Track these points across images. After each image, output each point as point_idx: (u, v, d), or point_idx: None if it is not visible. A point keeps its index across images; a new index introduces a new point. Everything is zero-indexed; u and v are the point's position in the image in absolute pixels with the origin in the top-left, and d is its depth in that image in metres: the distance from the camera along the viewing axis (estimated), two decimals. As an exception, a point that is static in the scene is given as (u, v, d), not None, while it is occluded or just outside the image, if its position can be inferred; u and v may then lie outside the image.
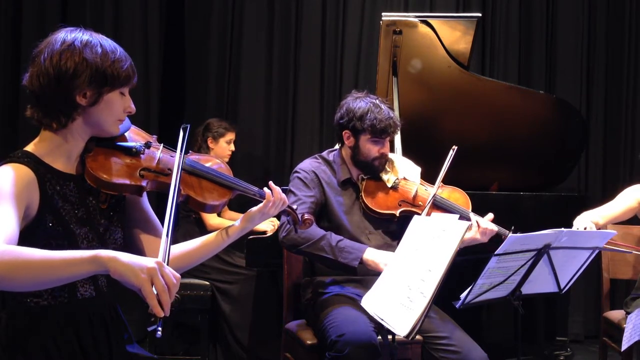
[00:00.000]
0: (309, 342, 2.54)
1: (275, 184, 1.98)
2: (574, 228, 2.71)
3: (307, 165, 2.72)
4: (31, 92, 1.58)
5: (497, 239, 2.55)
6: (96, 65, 1.56)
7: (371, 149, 2.65)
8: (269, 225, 3.61)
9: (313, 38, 4.52)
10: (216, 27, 4.40)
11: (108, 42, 1.62)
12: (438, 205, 2.67)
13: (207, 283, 3.65)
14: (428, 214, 2.59)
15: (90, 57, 1.56)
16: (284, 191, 1.99)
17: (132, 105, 1.69)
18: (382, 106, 2.64)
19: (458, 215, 2.61)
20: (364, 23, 4.58)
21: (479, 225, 2.57)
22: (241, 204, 4.17)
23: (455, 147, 2.67)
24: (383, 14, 3.53)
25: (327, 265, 2.57)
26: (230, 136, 3.89)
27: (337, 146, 2.82)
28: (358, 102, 2.66)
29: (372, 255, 2.48)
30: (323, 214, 2.67)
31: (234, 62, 4.42)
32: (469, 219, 2.64)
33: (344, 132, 2.69)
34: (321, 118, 4.53)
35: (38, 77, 1.56)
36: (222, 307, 3.67)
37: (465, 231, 1.96)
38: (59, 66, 1.54)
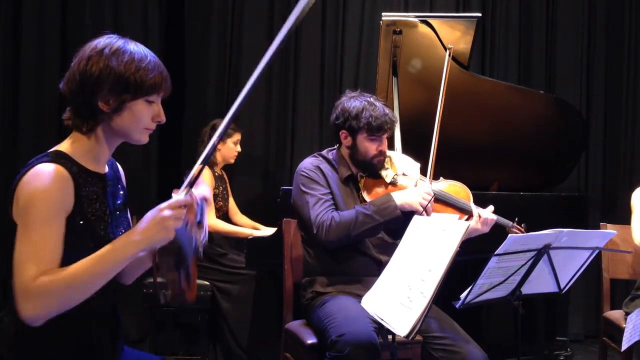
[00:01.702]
0: (309, 342, 2.54)
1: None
2: None
3: (309, 163, 2.72)
4: (64, 95, 1.61)
5: (501, 234, 2.55)
6: (119, 73, 1.56)
7: (369, 147, 2.65)
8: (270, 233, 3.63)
9: (313, 38, 4.52)
10: (216, 27, 4.40)
11: (140, 50, 1.62)
12: (438, 198, 2.68)
13: (207, 283, 3.66)
14: (431, 210, 2.60)
15: (115, 65, 1.57)
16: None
17: (162, 115, 1.66)
18: (377, 104, 2.66)
19: (458, 215, 2.62)
20: (364, 23, 4.58)
21: (479, 216, 2.60)
22: (250, 207, 4.19)
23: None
24: (383, 14, 3.53)
25: (378, 232, 2.60)
26: (237, 137, 3.90)
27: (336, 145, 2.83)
28: (352, 102, 2.67)
29: (401, 198, 2.54)
30: None
31: (234, 62, 4.42)
32: (470, 211, 2.65)
33: (341, 132, 2.70)
34: (321, 118, 4.52)
35: (68, 80, 1.60)
36: (222, 307, 3.67)
37: (465, 231, 1.96)
38: (84, 71, 1.57)
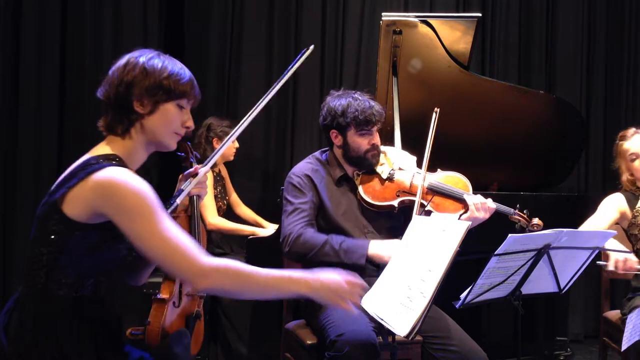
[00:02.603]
0: (309, 342, 2.54)
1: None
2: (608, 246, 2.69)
3: (300, 169, 2.72)
4: (101, 101, 1.74)
5: (502, 231, 2.54)
6: (154, 77, 1.70)
7: (361, 143, 2.65)
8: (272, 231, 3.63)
9: (313, 38, 4.52)
10: (216, 27, 4.40)
11: (172, 62, 1.76)
12: (436, 190, 2.66)
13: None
14: (427, 200, 2.59)
15: (150, 69, 1.71)
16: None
17: (191, 122, 1.79)
18: (361, 98, 2.66)
19: (458, 215, 2.62)
20: (364, 23, 4.57)
21: (477, 204, 2.58)
22: (250, 207, 4.19)
23: (437, 109, 2.66)
24: (383, 14, 3.52)
25: (336, 267, 2.55)
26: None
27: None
28: (337, 100, 2.67)
29: (375, 249, 2.50)
30: (319, 216, 2.67)
31: (234, 61, 4.42)
32: (466, 201, 2.62)
33: (331, 133, 2.70)
34: (321, 118, 4.52)
35: (105, 86, 1.73)
36: (222, 307, 3.67)
37: (466, 231, 1.96)
38: (121, 76, 1.71)
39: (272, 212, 3.95)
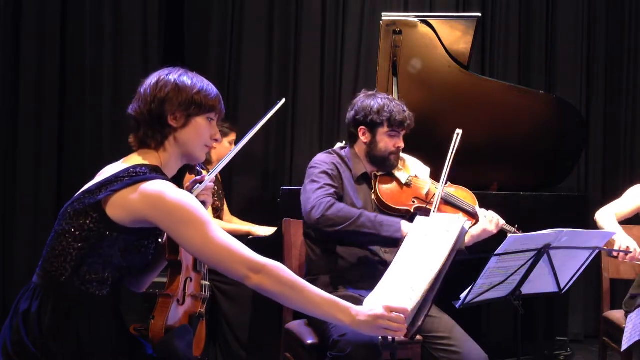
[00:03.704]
0: (309, 342, 2.54)
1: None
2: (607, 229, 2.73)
3: (325, 158, 2.72)
4: (133, 118, 1.83)
5: (500, 234, 2.56)
6: (185, 92, 1.81)
7: (388, 143, 2.67)
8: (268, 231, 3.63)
9: (313, 38, 4.52)
10: (216, 27, 4.40)
11: (199, 79, 1.88)
12: (448, 201, 2.71)
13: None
14: (441, 211, 2.60)
15: (181, 85, 1.82)
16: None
17: (219, 134, 1.97)
18: (396, 101, 2.71)
19: (461, 214, 2.64)
20: (364, 23, 4.57)
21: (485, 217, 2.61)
22: (250, 207, 4.19)
23: (459, 131, 2.68)
24: (383, 13, 3.53)
25: (370, 241, 2.58)
26: (233, 136, 3.90)
27: (338, 144, 2.82)
28: (372, 99, 2.70)
29: (407, 228, 2.50)
30: None
31: (234, 62, 4.42)
32: (476, 214, 2.66)
33: (359, 129, 2.71)
34: (321, 118, 4.52)
35: (138, 103, 1.82)
36: (222, 307, 3.67)
37: (461, 227, 1.95)
38: (155, 92, 1.80)
39: (272, 212, 3.94)
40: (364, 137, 2.71)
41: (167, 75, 1.84)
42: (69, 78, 4.07)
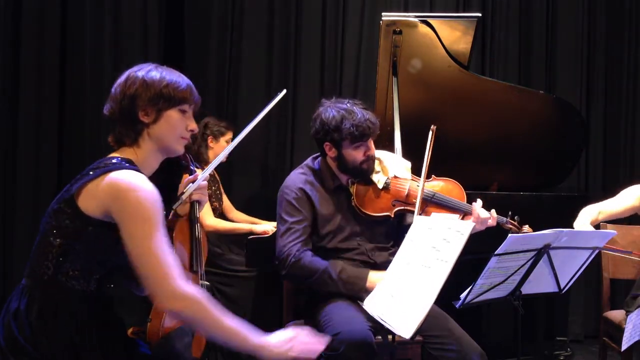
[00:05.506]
0: (308, 342, 2.53)
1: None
2: (576, 226, 2.73)
3: (294, 182, 2.67)
4: (108, 118, 1.84)
5: (500, 234, 2.55)
6: (153, 87, 1.81)
7: (356, 155, 2.60)
8: (269, 226, 3.62)
9: (313, 38, 4.52)
10: (216, 27, 4.39)
11: (169, 72, 1.87)
12: (433, 202, 2.65)
13: (207, 283, 3.64)
14: (426, 213, 2.58)
15: (149, 81, 1.82)
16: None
17: (194, 124, 1.90)
18: (355, 109, 2.58)
19: (458, 215, 2.62)
20: (364, 23, 4.57)
21: (476, 215, 2.60)
22: (250, 207, 4.18)
23: (434, 127, 2.63)
24: (383, 14, 3.52)
25: (336, 293, 2.55)
26: (230, 135, 3.91)
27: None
28: (330, 112, 2.59)
29: (374, 280, 2.47)
30: (314, 226, 2.64)
31: (234, 62, 4.42)
32: (464, 210, 2.64)
33: (324, 145, 2.64)
34: (321, 118, 4.51)
35: (111, 102, 1.84)
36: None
37: (470, 232, 1.96)
38: (124, 90, 1.81)
39: (271, 211, 3.93)
40: (330, 152, 2.64)
41: (136, 72, 1.84)
42: (69, 78, 4.06)
